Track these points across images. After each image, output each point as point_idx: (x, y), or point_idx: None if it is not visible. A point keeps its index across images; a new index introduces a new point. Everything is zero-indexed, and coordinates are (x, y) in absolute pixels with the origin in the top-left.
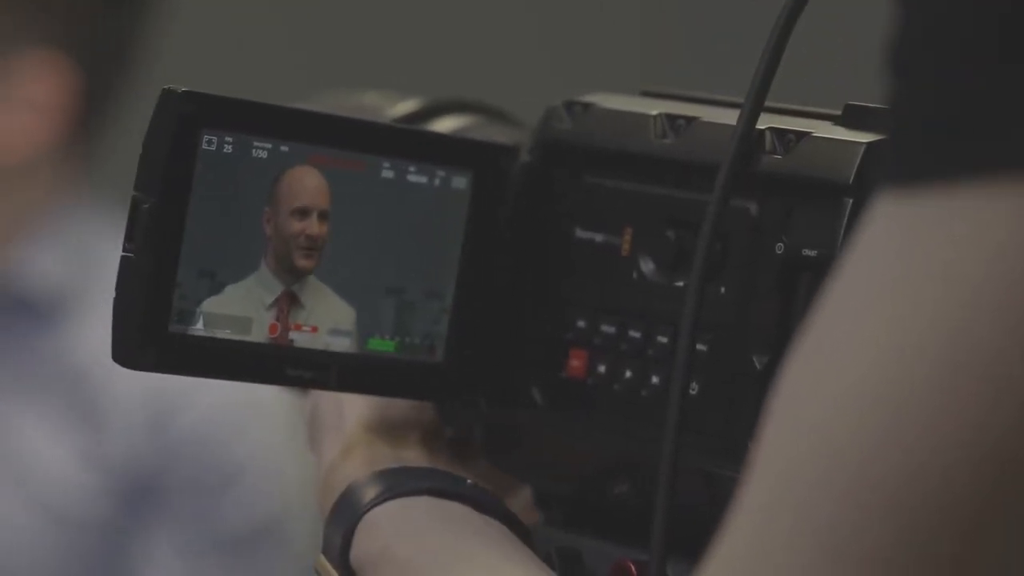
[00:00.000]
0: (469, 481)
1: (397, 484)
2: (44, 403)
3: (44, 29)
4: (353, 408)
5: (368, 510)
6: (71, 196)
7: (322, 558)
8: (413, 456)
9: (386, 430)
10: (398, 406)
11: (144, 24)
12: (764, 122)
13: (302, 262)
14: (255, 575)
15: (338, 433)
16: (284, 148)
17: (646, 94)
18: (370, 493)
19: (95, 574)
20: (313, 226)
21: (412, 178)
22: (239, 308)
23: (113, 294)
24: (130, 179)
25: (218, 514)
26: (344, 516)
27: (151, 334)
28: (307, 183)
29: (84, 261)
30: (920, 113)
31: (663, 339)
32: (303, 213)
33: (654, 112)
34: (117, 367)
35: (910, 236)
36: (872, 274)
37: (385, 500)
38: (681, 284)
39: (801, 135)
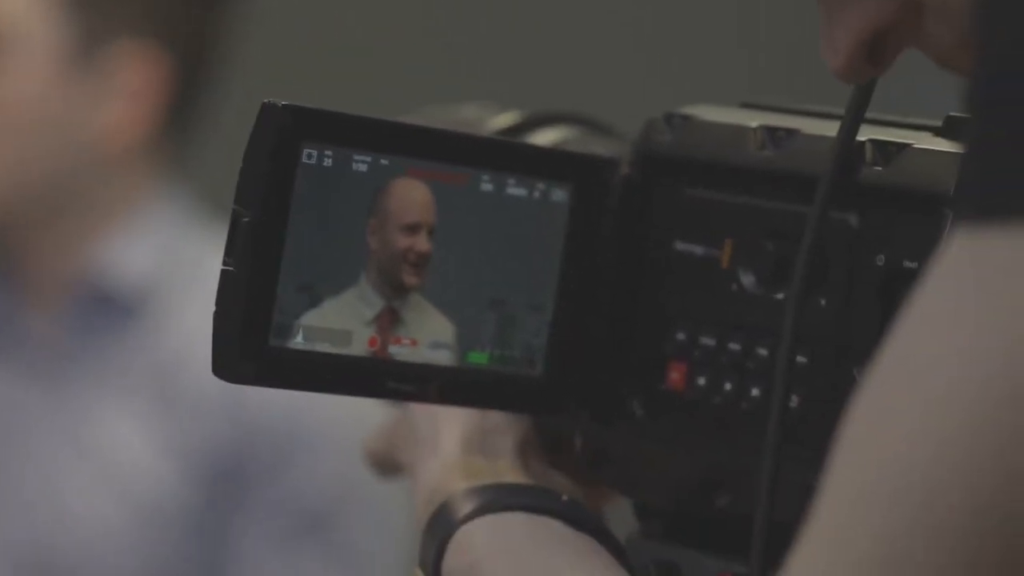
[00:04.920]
0: (564, 497)
1: (491, 500)
2: (128, 396)
3: (137, 21)
4: (449, 423)
5: (462, 524)
6: (159, 191)
7: (417, 570)
8: (509, 471)
9: (482, 445)
10: (494, 420)
11: (233, 20)
12: (864, 134)
13: (409, 279)
14: (341, 549)
15: (434, 448)
16: (384, 161)
17: (746, 106)
18: (465, 508)
19: (184, 563)
20: (422, 242)
21: (512, 191)
22: (339, 322)
23: (213, 307)
24: (215, 175)
25: (298, 491)
26: (439, 529)
27: (251, 348)
28: (416, 197)
29: (170, 257)
30: (994, 151)
31: (763, 351)
32: (413, 229)
33: (754, 124)
34: (196, 359)
35: (985, 270)
36: (947, 305)
37: (479, 515)
38: (781, 296)
39: (902, 147)
